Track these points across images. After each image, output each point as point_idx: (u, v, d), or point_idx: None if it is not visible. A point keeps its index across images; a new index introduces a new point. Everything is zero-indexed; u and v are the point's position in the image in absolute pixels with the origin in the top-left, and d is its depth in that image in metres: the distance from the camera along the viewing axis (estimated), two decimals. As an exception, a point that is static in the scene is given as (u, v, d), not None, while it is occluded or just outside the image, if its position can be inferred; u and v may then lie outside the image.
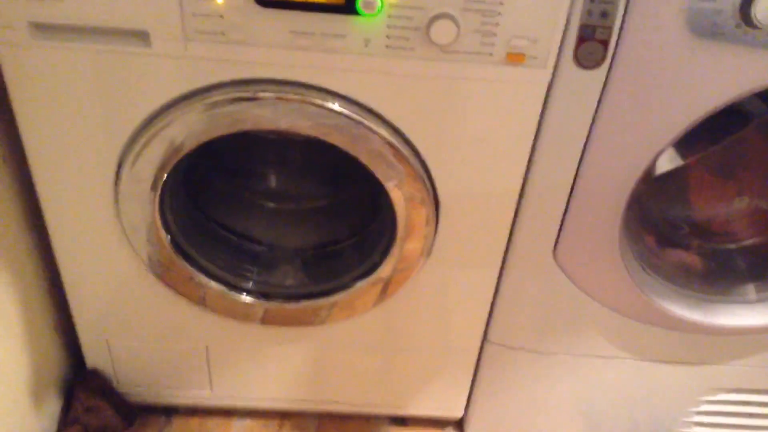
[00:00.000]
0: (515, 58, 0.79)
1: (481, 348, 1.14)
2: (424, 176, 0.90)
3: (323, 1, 0.75)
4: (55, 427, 1.15)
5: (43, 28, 0.77)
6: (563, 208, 0.93)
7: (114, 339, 1.14)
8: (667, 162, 0.99)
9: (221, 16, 0.76)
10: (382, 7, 0.75)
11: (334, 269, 1.09)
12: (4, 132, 0.93)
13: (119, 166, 0.89)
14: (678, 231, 1.09)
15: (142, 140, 0.86)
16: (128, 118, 0.85)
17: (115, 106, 0.84)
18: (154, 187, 0.90)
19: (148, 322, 1.11)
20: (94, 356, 1.16)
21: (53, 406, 1.16)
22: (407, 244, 0.97)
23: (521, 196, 0.94)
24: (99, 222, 0.95)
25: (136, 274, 1.02)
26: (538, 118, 0.85)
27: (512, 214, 0.95)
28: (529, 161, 0.90)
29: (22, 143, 0.89)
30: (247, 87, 0.83)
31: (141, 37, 0.78)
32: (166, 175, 0.89)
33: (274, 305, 1.06)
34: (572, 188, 0.91)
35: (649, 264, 1.02)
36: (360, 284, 1.03)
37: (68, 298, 1.07)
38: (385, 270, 1.00)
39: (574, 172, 0.89)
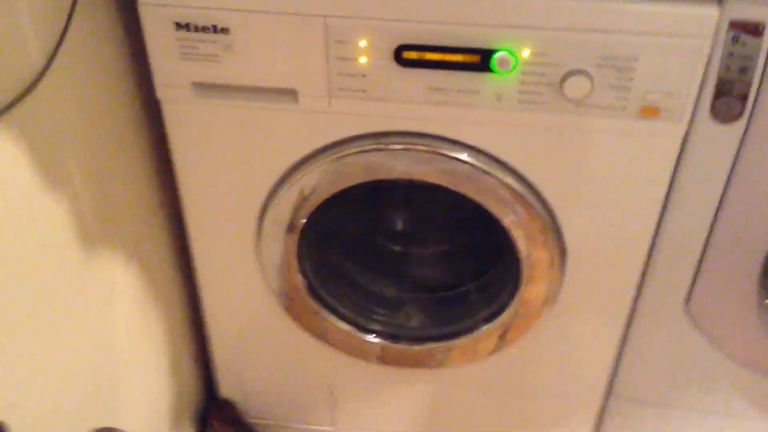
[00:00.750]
0: (650, 111, 0.79)
1: (606, 400, 1.12)
2: (550, 223, 0.91)
3: (459, 59, 0.79)
4: (190, 452, 1.22)
5: (203, 88, 0.85)
6: (697, 260, 0.91)
7: (247, 371, 1.20)
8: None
9: (364, 75, 0.81)
10: (516, 65, 0.78)
11: (457, 313, 1.11)
12: (163, 179, 1.02)
13: (263, 210, 0.95)
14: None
15: (284, 187, 0.92)
16: (274, 167, 0.91)
17: (263, 157, 0.91)
18: (291, 230, 0.96)
19: (278, 357, 1.17)
20: (228, 387, 1.24)
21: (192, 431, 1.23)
22: (530, 290, 0.98)
23: (653, 247, 0.93)
24: (240, 261, 1.03)
25: (269, 311, 1.08)
26: (671, 170, 0.85)
27: (641, 266, 0.95)
28: (663, 212, 0.89)
29: (177, 189, 0.97)
30: (381, 139, 0.87)
31: (290, 94, 0.84)
32: (303, 220, 0.95)
33: (395, 347, 1.09)
34: (706, 242, 0.89)
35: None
36: (481, 330, 1.04)
37: (208, 331, 1.15)
38: (506, 316, 1.01)
39: (709, 226, 0.88)
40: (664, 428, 1.13)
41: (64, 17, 0.73)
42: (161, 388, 1.10)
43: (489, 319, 1.04)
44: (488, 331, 1.04)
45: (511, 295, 1.00)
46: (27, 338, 0.72)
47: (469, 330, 1.06)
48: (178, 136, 0.91)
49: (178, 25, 0.80)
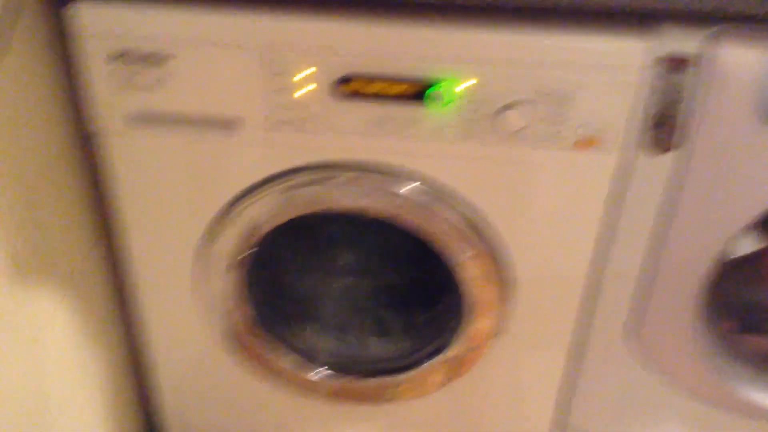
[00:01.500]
0: (585, 144, 0.80)
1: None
2: (498, 254, 0.92)
3: (399, 92, 0.80)
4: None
5: (139, 119, 0.84)
6: (637, 291, 0.92)
7: (192, 414, 1.17)
8: (744, 246, 0.97)
9: (305, 106, 0.81)
10: (451, 99, 0.79)
11: (404, 347, 1.10)
12: (101, 211, 1.00)
13: (206, 243, 0.94)
14: (759, 316, 1.05)
15: (226, 219, 0.91)
16: (215, 199, 0.90)
17: (203, 188, 0.89)
18: (236, 263, 0.95)
19: (225, 398, 1.14)
20: (173, 428, 1.20)
21: (131, 475, 1.19)
22: (478, 323, 0.97)
23: (595, 278, 0.94)
24: (183, 297, 1.01)
25: (215, 349, 1.06)
26: (604, 201, 0.86)
27: (580, 295, 0.95)
28: (602, 242, 0.90)
29: (112, 224, 0.95)
30: (324, 170, 0.87)
31: (229, 126, 0.84)
32: (246, 253, 0.94)
33: (342, 381, 1.08)
34: (646, 271, 0.90)
35: (730, 349, 0.98)
36: (429, 363, 1.04)
37: (151, 372, 1.12)
38: (454, 349, 1.01)
39: (645, 256, 0.89)
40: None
41: (-6, 47, 0.72)
42: (99, 429, 1.06)
43: (437, 353, 1.03)
44: (436, 365, 1.04)
45: (458, 328, 0.99)
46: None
47: (417, 363, 1.05)
48: (114, 169, 0.89)
49: (113, 57, 0.79)
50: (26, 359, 0.84)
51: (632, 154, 0.82)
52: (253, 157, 0.86)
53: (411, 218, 0.89)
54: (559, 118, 0.79)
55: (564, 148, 0.81)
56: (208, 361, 1.08)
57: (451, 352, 1.02)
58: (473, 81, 0.78)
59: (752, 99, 0.75)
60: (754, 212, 0.82)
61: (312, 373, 1.07)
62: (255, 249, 0.94)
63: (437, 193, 0.87)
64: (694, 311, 0.92)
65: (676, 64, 0.75)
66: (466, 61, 0.77)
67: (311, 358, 1.08)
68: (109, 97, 0.82)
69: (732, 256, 0.99)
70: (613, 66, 0.76)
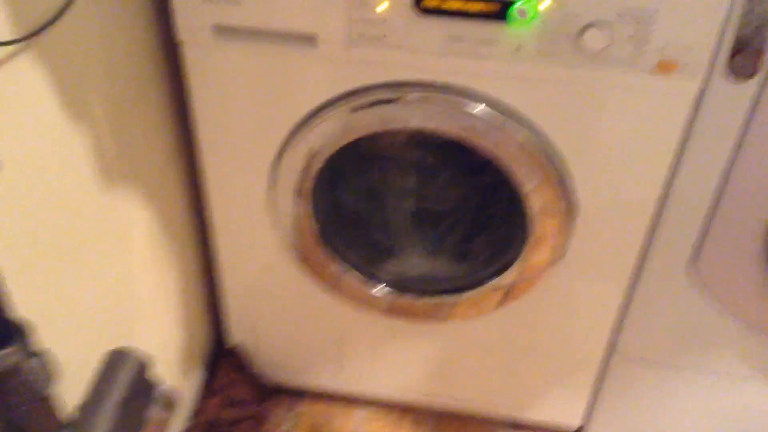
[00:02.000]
0: (667, 66, 0.80)
1: (609, 359, 1.14)
2: (563, 182, 0.92)
3: (479, 9, 0.79)
4: (198, 395, 1.25)
5: (223, 30, 0.86)
6: (703, 221, 0.92)
7: (257, 320, 1.23)
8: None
9: (383, 22, 0.82)
10: (534, 15, 0.78)
11: (463, 268, 1.12)
12: (182, 122, 1.03)
13: (277, 158, 0.97)
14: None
15: (301, 134, 0.93)
16: (291, 114, 0.93)
17: (281, 102, 0.92)
18: (306, 178, 0.97)
19: (289, 307, 1.19)
20: (238, 335, 1.26)
21: (198, 376, 1.26)
22: (538, 251, 0.99)
23: (661, 206, 0.94)
24: (255, 208, 1.04)
25: (282, 259, 1.10)
26: (683, 128, 0.85)
27: (647, 225, 0.96)
28: (673, 172, 0.90)
29: (192, 136, 0.99)
30: (397, 89, 0.88)
31: (309, 40, 0.85)
32: (317, 169, 0.96)
33: (401, 299, 1.11)
34: (714, 203, 0.90)
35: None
36: (486, 286, 1.06)
37: (220, 278, 1.17)
38: (510, 275, 1.03)
39: (717, 187, 0.89)
40: (667, 389, 1.15)
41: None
42: (172, 331, 1.12)
43: (494, 276, 1.05)
44: (493, 287, 1.06)
45: (518, 253, 1.01)
46: (51, 264, 0.74)
47: (475, 285, 1.08)
48: (197, 79, 0.92)
49: (201, -34, 0.80)
50: (114, 262, 0.89)
51: (714, 80, 0.81)
52: (330, 73, 0.88)
53: (478, 141, 0.89)
54: (641, 38, 0.78)
55: (645, 72, 0.80)
56: (275, 270, 1.13)
57: (509, 277, 1.04)
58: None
59: None
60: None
61: (372, 289, 1.11)
62: (325, 166, 0.96)
63: (508, 117, 0.88)
64: (757, 245, 0.92)
65: (769, -15, 0.73)
66: (550, -22, 0.77)
67: (372, 275, 1.11)
68: (195, 6, 0.83)
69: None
70: (702, -14, 0.74)
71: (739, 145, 0.85)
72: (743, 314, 1.00)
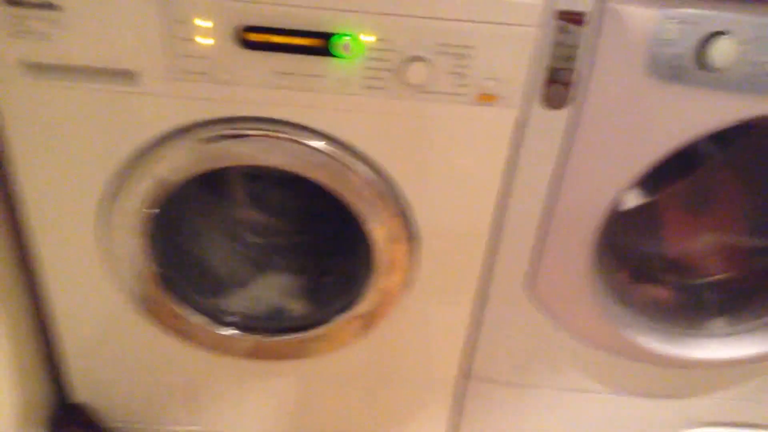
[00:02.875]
0: (486, 98, 0.83)
1: (464, 382, 1.16)
2: (403, 212, 0.93)
3: (304, 43, 0.79)
4: (39, 461, 1.16)
5: (35, 68, 0.81)
6: (535, 242, 0.96)
7: (102, 373, 1.15)
8: (635, 198, 1.03)
9: (207, 58, 0.80)
10: (358, 50, 0.79)
11: (316, 303, 1.11)
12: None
13: (108, 200, 0.92)
14: (650, 266, 1.12)
15: (129, 175, 0.89)
16: (115, 153, 0.88)
17: (103, 142, 0.87)
18: (140, 221, 0.93)
19: (134, 357, 1.13)
20: (81, 391, 1.18)
21: (38, 439, 1.17)
22: (386, 280, 0.99)
23: (498, 230, 0.97)
24: (87, 255, 0.98)
25: (121, 309, 1.04)
26: (505, 154, 0.89)
27: (483, 248, 0.98)
28: (502, 196, 0.93)
29: (10, 179, 0.92)
30: (231, 125, 0.86)
31: (128, 76, 0.81)
32: (151, 211, 0.92)
33: (256, 339, 1.08)
34: (543, 222, 0.94)
35: (623, 298, 1.04)
36: (341, 318, 1.05)
37: (57, 332, 1.09)
38: (364, 305, 1.03)
39: (544, 207, 0.93)
40: (521, 407, 1.18)
41: None
42: (4, 393, 1.03)
43: (347, 308, 1.05)
44: (348, 319, 1.05)
45: (368, 284, 1.01)
46: None
47: (329, 319, 1.06)
48: (10, 119, 0.86)
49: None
50: None
51: (531, 109, 0.85)
52: (155, 109, 0.84)
53: (316, 175, 0.89)
54: (460, 72, 0.81)
55: (466, 103, 0.83)
56: (116, 321, 1.06)
57: (361, 308, 1.03)
58: (376, 34, 0.78)
59: (644, 55, 0.79)
60: (643, 165, 0.86)
61: (222, 332, 1.07)
62: (160, 207, 0.93)
63: (344, 151, 0.88)
64: (587, 261, 0.97)
65: (572, 19, 0.78)
66: (371, 12, 0.78)
67: (221, 317, 1.07)
68: (1, 42, 0.78)
69: (624, 209, 1.04)
70: (511, 21, 0.78)
71: (561, 168, 0.89)
72: (579, 330, 1.04)
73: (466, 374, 1.15)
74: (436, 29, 0.78)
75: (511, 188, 0.92)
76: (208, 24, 0.78)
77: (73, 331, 1.09)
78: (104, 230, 0.95)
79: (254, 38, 0.79)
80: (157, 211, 0.92)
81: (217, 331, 1.07)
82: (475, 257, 0.99)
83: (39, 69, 0.81)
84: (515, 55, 0.80)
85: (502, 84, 0.81)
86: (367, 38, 0.79)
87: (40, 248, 0.99)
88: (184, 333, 1.07)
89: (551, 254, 0.96)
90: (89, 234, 0.96)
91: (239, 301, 1.11)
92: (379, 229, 0.94)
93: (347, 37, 0.78)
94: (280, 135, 0.86)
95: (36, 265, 1.01)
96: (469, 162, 0.89)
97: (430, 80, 0.81)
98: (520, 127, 0.87)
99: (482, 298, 1.04)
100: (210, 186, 1.06)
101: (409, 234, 0.95)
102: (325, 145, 0.87)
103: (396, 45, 0.79)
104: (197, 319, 1.05)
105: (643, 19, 0.77)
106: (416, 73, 0.80)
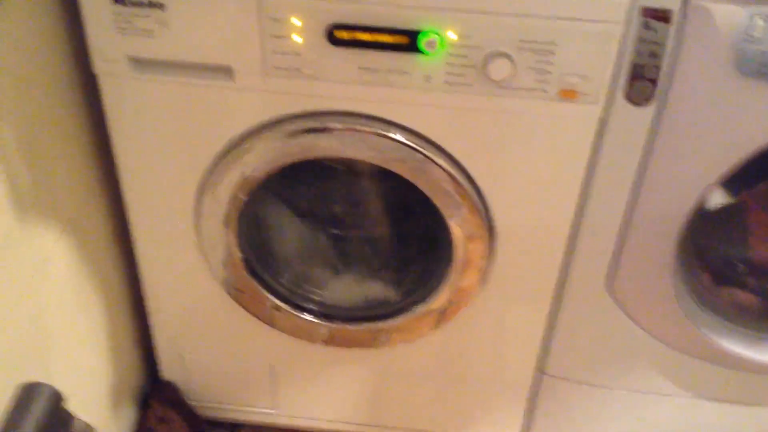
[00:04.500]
0: (568, 94, 0.83)
1: (538, 380, 1.16)
2: (482, 209, 0.95)
3: (389, 40, 0.82)
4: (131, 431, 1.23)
5: (140, 63, 0.87)
6: (617, 241, 0.96)
7: (189, 353, 1.22)
8: (720, 198, 1.00)
9: (298, 54, 0.84)
10: (442, 46, 0.81)
11: (393, 295, 1.14)
12: (102, 154, 1.03)
13: (200, 190, 0.97)
14: (734, 269, 1.09)
15: (222, 166, 0.94)
16: (212, 145, 0.94)
17: (201, 134, 0.93)
18: (229, 210, 0.98)
19: (220, 339, 1.18)
20: (169, 369, 1.25)
21: (130, 414, 1.24)
22: (463, 278, 1.01)
23: (576, 228, 0.97)
24: (180, 240, 1.04)
25: (211, 293, 1.10)
26: (589, 152, 0.89)
27: (563, 247, 0.99)
28: (583, 194, 0.93)
29: (115, 166, 0.99)
30: (318, 118, 0.90)
31: (225, 72, 0.86)
32: (242, 199, 0.97)
33: (336, 326, 1.12)
34: (625, 222, 0.93)
35: (704, 300, 1.02)
36: (416, 310, 1.07)
37: (149, 312, 1.16)
38: (439, 300, 1.05)
39: (625, 206, 0.92)
40: (595, 407, 1.17)
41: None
42: (100, 367, 1.10)
43: (425, 299, 1.07)
44: (424, 312, 1.07)
45: (445, 279, 1.03)
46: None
47: (404, 311, 1.09)
48: (115, 111, 0.92)
49: None
50: (28, 296, 0.88)
51: (614, 106, 0.85)
52: (248, 103, 0.89)
53: (400, 170, 0.91)
54: (542, 68, 0.82)
55: (548, 99, 0.84)
56: (205, 303, 1.12)
57: (438, 301, 1.05)
58: (460, 31, 0.80)
59: (731, 52, 0.78)
60: (729, 164, 0.85)
61: (305, 319, 1.11)
62: (249, 196, 0.97)
63: (425, 145, 0.90)
64: (669, 262, 0.95)
65: (659, 15, 0.78)
66: (456, 10, 0.80)
67: (305, 305, 1.12)
68: (111, 39, 0.84)
69: (708, 209, 1.02)
70: (595, 17, 0.78)
71: (644, 167, 0.89)
72: (659, 332, 1.03)
73: (540, 371, 1.15)
74: (520, 26, 0.79)
75: (592, 186, 0.92)
76: (300, 22, 0.82)
77: (164, 312, 1.16)
78: (197, 217, 1.00)
79: (342, 36, 0.82)
80: (245, 199, 0.97)
81: (297, 317, 1.11)
82: (555, 256, 0.99)
83: (143, 64, 0.87)
84: (599, 52, 0.80)
85: (585, 80, 0.82)
86: (451, 35, 0.81)
87: (138, 233, 1.05)
88: (267, 318, 1.11)
89: (632, 254, 0.95)
90: (183, 220, 1.02)
91: (323, 290, 1.15)
92: (458, 226, 0.95)
93: (433, 35, 0.81)
94: (365, 129, 0.89)
95: (133, 249, 1.08)
96: (550, 159, 0.90)
97: (512, 76, 0.82)
98: (603, 124, 0.87)
99: (559, 296, 1.04)
100: (295, 178, 1.10)
101: (488, 231, 0.97)
102: (407, 139, 0.90)
103: (479, 41, 0.81)
104: (279, 305, 1.09)
105: (730, 15, 0.76)
106: (499, 69, 0.81)
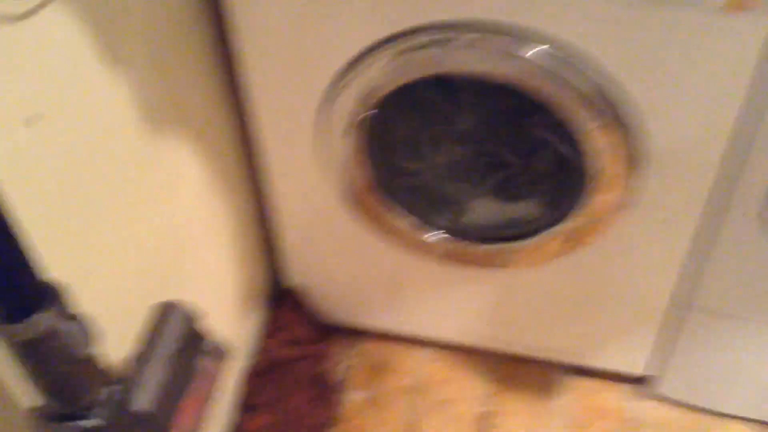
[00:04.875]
0: (735, 5, 0.71)
1: (682, 311, 1.09)
2: (627, 123, 0.86)
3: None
4: (258, 334, 1.28)
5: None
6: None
7: (314, 262, 1.24)
8: None
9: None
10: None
11: (524, 214, 1.08)
12: (228, 64, 1.01)
13: (328, 100, 0.94)
14: None
15: (350, 76, 0.90)
16: (338, 55, 0.89)
17: (328, 42, 0.88)
18: (354, 125, 0.94)
19: (344, 251, 1.19)
20: (295, 275, 1.27)
21: (258, 316, 1.29)
22: (601, 196, 0.94)
23: (732, 151, 0.87)
24: (306, 153, 1.02)
25: (334, 204, 1.09)
26: (750, 72, 0.78)
27: (714, 174, 0.89)
28: (744, 115, 0.83)
29: (239, 78, 0.97)
30: (445, 31, 0.83)
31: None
32: (365, 114, 0.92)
33: (458, 245, 1.09)
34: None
35: None
36: (547, 233, 1.02)
37: (275, 221, 1.17)
38: (574, 221, 0.98)
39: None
40: (743, 341, 1.09)
41: None
42: (229, 273, 1.14)
43: (556, 223, 1.01)
44: (554, 235, 1.02)
45: (580, 200, 0.96)
46: (96, 214, 0.74)
47: (535, 232, 1.04)
48: (242, 19, 0.89)
49: None
50: (163, 206, 0.90)
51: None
52: (378, 13, 0.83)
53: (536, 84, 0.84)
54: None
55: (714, 11, 0.72)
56: (328, 214, 1.12)
57: (571, 224, 0.99)
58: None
59: None
60: None
61: (428, 236, 1.08)
62: (374, 110, 0.93)
63: (568, 58, 0.82)
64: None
65: None
66: None
67: (428, 221, 1.08)
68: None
69: None
70: None
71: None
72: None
73: (685, 304, 1.07)
74: None
75: (752, 106, 0.81)
76: None
77: (291, 221, 1.17)
78: (322, 130, 0.97)
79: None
80: (371, 113, 0.93)
81: (423, 235, 1.08)
82: (704, 182, 0.90)
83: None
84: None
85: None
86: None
87: (266, 143, 1.04)
88: (391, 233, 1.10)
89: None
90: (309, 132, 0.99)
91: (448, 207, 1.11)
92: (597, 143, 0.87)
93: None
94: (495, 42, 0.82)
95: (260, 159, 1.08)
96: (709, 74, 0.79)
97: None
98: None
99: (712, 226, 0.95)
100: (423, 91, 1.04)
101: (632, 150, 0.88)
102: (551, 52, 0.82)
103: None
104: (406, 221, 1.07)
105: None
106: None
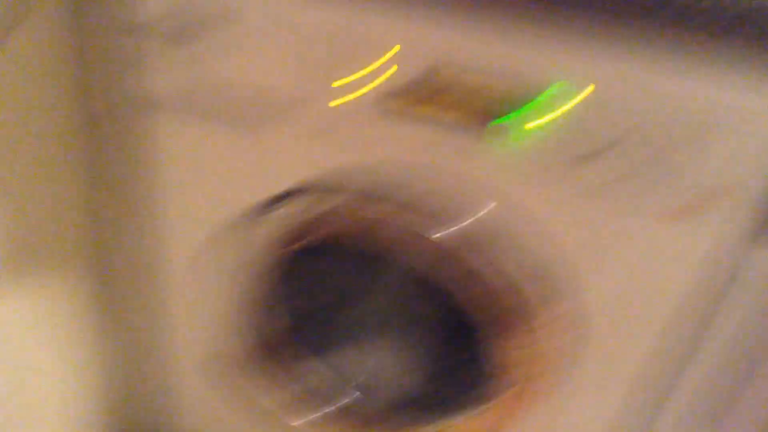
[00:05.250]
0: (688, 211, 0.63)
1: None
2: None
3: (453, 118, 0.65)
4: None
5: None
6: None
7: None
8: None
9: (344, 118, 0.68)
10: (519, 137, 0.63)
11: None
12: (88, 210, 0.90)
13: (229, 246, 0.84)
14: None
15: (253, 226, 0.80)
16: (240, 202, 0.80)
17: (228, 188, 0.80)
18: (259, 277, 0.84)
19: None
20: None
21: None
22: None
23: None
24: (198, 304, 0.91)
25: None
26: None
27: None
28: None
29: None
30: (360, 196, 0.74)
31: (260, 124, 0.72)
32: (273, 263, 0.82)
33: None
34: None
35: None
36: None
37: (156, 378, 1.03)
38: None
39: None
40: None
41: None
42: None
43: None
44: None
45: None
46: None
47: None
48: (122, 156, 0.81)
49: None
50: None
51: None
52: (282, 164, 0.75)
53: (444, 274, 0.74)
54: (666, 172, 0.61)
55: (658, 216, 0.63)
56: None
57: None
58: (550, 117, 0.61)
59: None
60: None
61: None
62: (284, 260, 0.82)
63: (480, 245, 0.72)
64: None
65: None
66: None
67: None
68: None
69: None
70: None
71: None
72: None
73: None
74: (636, 111, 0.60)
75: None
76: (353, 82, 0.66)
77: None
78: (221, 279, 0.87)
79: (400, 104, 0.66)
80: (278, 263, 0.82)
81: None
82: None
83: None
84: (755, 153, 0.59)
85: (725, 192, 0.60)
86: (536, 123, 0.62)
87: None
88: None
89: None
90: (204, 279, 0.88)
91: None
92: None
93: (509, 119, 0.62)
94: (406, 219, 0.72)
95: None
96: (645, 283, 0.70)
97: (616, 180, 0.62)
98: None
99: None
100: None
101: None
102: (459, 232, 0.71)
103: (576, 130, 0.62)
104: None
105: None
106: (600, 168, 0.62)
